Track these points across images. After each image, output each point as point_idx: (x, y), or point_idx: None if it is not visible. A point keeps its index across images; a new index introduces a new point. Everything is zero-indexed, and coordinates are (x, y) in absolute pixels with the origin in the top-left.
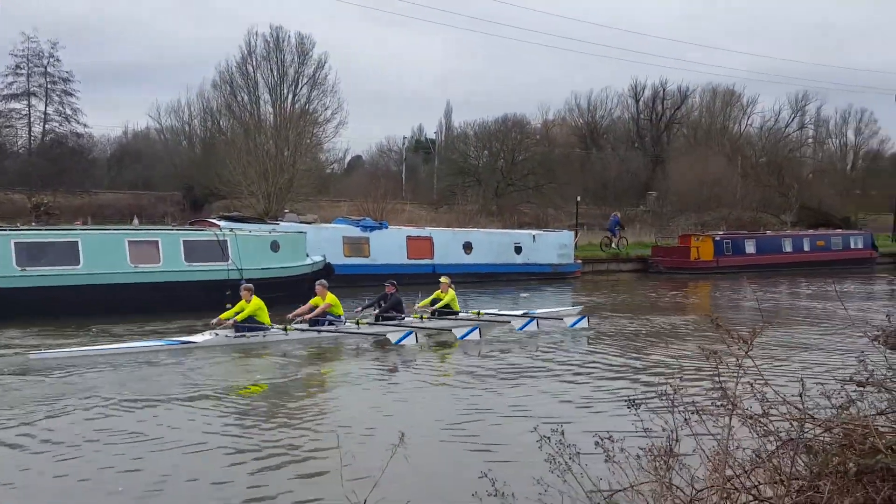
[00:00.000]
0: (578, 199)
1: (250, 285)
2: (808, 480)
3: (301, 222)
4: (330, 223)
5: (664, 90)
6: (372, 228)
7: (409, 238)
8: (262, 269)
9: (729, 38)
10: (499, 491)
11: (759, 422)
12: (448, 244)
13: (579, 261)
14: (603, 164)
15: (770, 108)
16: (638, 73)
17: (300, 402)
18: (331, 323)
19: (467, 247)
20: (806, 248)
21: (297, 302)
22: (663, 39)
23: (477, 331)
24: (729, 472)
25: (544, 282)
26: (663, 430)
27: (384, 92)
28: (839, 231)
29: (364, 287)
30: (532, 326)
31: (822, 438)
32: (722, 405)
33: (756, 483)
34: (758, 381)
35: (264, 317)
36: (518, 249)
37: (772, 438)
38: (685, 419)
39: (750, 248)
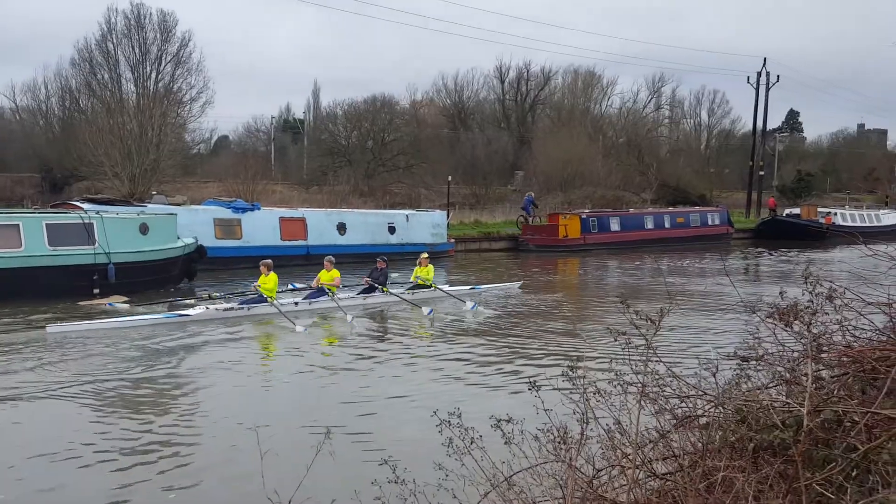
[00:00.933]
0: (449, 178)
1: (269, 261)
2: (700, 456)
3: (170, 204)
4: (199, 205)
5: (528, 71)
6: (244, 210)
7: (282, 219)
8: (132, 252)
9: (590, 20)
10: (399, 478)
11: (657, 402)
12: (322, 225)
13: (452, 240)
14: (471, 144)
15: (629, 89)
16: (503, 53)
17: (208, 394)
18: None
19: (341, 228)
20: (667, 224)
21: (168, 285)
22: (527, 20)
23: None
24: (629, 451)
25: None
26: (564, 412)
27: (250, 71)
28: (697, 208)
29: (237, 269)
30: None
31: (716, 415)
32: (620, 384)
33: (651, 459)
34: (654, 361)
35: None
36: (392, 230)
37: (668, 416)
38: (586, 399)
39: (615, 225)
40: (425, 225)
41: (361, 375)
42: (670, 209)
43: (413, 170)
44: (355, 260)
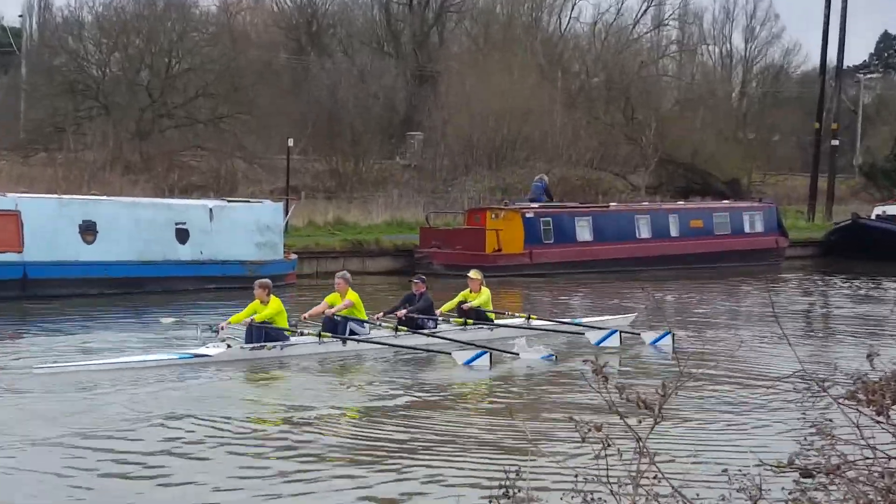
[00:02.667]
0: (290, 143)
1: (267, 281)
2: None
3: None
4: None
5: None
6: None
7: None
8: None
9: None
10: None
11: None
12: (52, 225)
13: (293, 255)
14: (331, 83)
15: None
16: None
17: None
18: (353, 332)
19: (88, 230)
20: (673, 232)
21: None
22: None
23: (487, 356)
24: None
25: (231, 293)
26: None
27: None
28: (725, 203)
29: None
30: (613, 340)
31: None
32: None
33: None
34: (652, 476)
35: (283, 322)
36: (183, 235)
37: None
38: None
39: (583, 231)
40: (245, 227)
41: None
42: (680, 204)
43: (225, 126)
44: (113, 289)
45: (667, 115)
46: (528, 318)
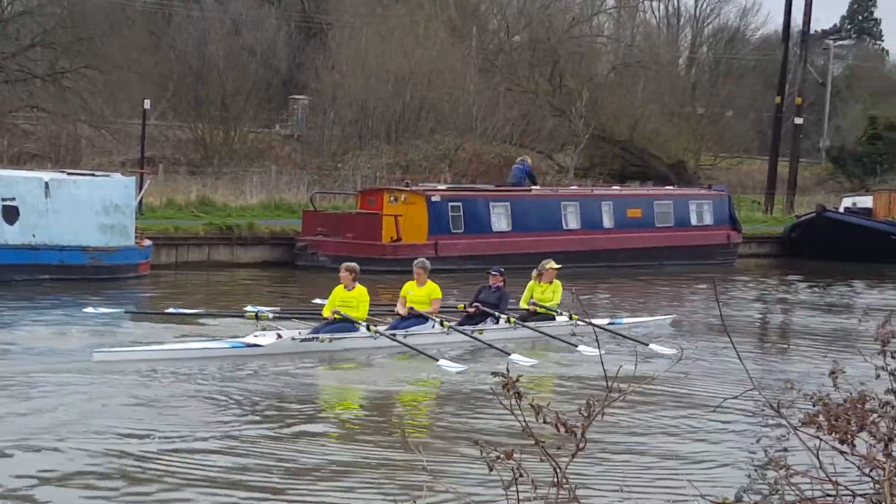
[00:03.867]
0: (147, 105)
1: (355, 265)
2: None
3: None
4: None
5: None
6: None
7: None
8: None
9: None
10: None
11: None
12: None
13: (148, 242)
14: (199, 35)
15: None
16: None
17: None
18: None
19: None
20: (606, 222)
21: None
22: None
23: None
24: None
25: (69, 285)
26: None
27: None
28: (669, 190)
29: None
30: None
31: None
32: None
33: None
34: None
35: (363, 310)
36: (11, 214)
37: None
38: None
39: (500, 219)
40: (88, 205)
41: None
42: (615, 190)
43: (67, 83)
44: None
45: (601, 84)
46: (573, 316)
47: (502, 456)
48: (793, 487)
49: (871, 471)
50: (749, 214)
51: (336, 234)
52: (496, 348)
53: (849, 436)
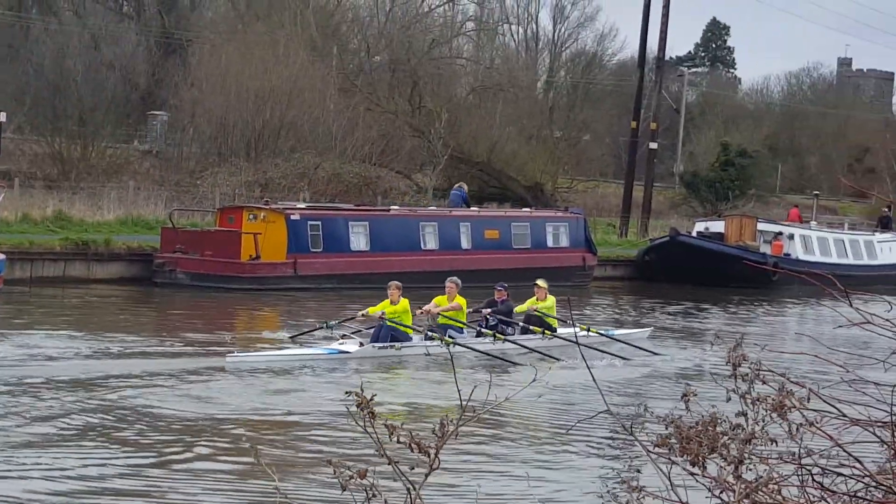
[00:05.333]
0: (3, 118)
1: (398, 283)
2: None
3: None
4: None
5: None
6: None
7: None
8: None
9: None
10: None
11: None
12: None
13: (1, 255)
14: (57, 48)
15: None
16: None
17: None
18: (452, 337)
19: None
20: (465, 243)
21: None
22: None
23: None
24: None
25: None
26: None
27: None
28: (526, 212)
29: None
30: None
31: None
32: None
33: None
34: None
35: (407, 320)
36: None
37: None
38: None
39: (359, 239)
40: None
41: None
42: (473, 211)
43: None
44: None
45: (460, 106)
46: (588, 329)
47: (356, 476)
48: None
49: (721, 492)
50: (604, 237)
51: (194, 252)
52: (540, 352)
53: (700, 458)
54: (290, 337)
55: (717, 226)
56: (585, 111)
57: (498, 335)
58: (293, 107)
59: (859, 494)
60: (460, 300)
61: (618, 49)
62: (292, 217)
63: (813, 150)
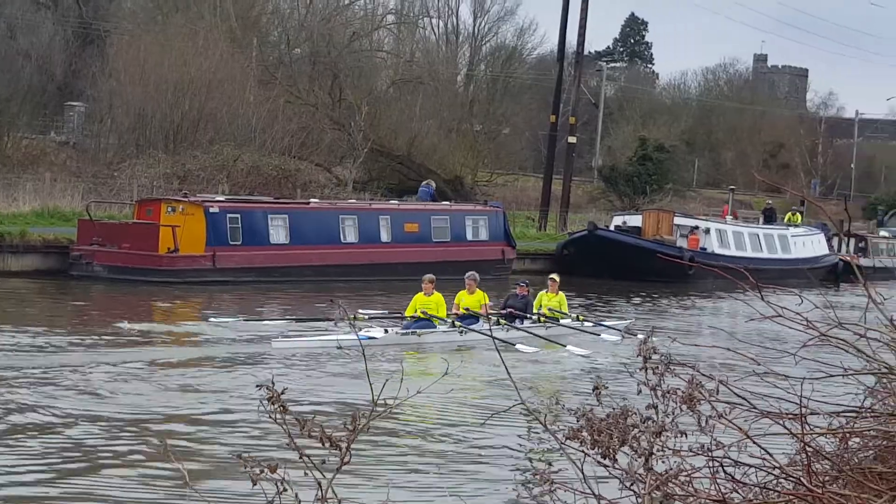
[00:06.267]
0: None
1: (433, 276)
2: None
3: None
4: None
5: None
6: None
7: None
8: None
9: None
10: None
11: None
12: None
13: None
14: None
15: None
16: None
17: None
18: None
19: None
20: (384, 236)
21: None
22: None
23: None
24: None
25: None
26: None
27: None
28: (446, 206)
29: None
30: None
31: None
32: None
33: None
34: None
35: (442, 313)
36: None
37: None
38: None
39: (278, 232)
40: None
41: None
42: (393, 204)
43: None
44: None
45: (380, 99)
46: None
47: (266, 470)
48: (557, 500)
49: (632, 484)
50: (523, 231)
51: (112, 244)
52: (551, 340)
53: (611, 450)
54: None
55: (635, 220)
56: (505, 105)
57: (502, 321)
58: (212, 99)
59: (769, 486)
60: (480, 293)
61: (537, 43)
62: (211, 210)
63: (729, 146)
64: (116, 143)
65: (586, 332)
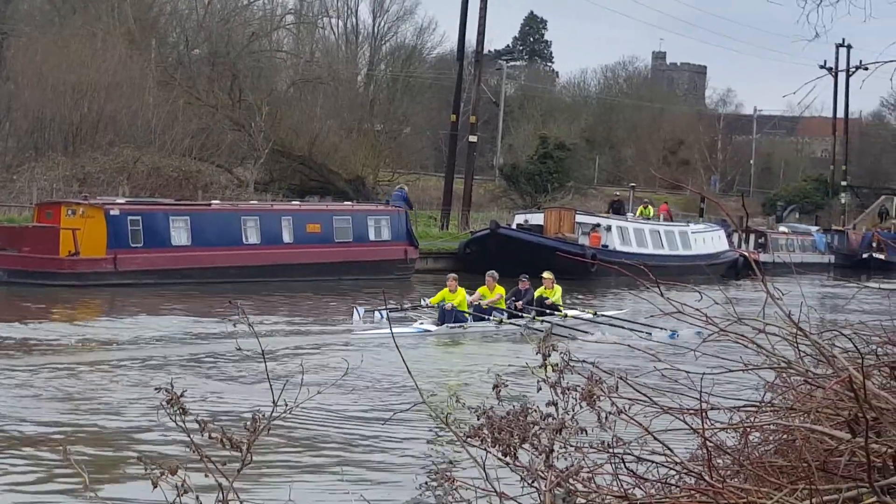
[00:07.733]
0: None
1: (456, 275)
2: None
3: None
4: None
5: None
6: None
7: None
8: None
9: None
10: None
11: None
12: None
13: None
14: None
15: None
16: None
17: None
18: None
19: None
20: (286, 237)
21: None
22: None
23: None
24: None
25: None
26: None
27: None
28: (347, 206)
29: None
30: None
31: None
32: None
33: None
34: None
35: (464, 307)
36: None
37: None
38: None
39: (179, 233)
40: None
41: None
42: (295, 205)
43: None
44: None
45: (281, 99)
46: (595, 313)
47: (167, 472)
48: (459, 498)
49: (533, 481)
50: (425, 230)
51: (12, 248)
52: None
53: (511, 448)
54: (387, 313)
55: (537, 218)
56: (406, 104)
57: (527, 315)
58: (111, 100)
59: (671, 481)
60: (500, 288)
61: (437, 42)
62: (112, 212)
63: (629, 143)
64: (15, 147)
65: (625, 327)
